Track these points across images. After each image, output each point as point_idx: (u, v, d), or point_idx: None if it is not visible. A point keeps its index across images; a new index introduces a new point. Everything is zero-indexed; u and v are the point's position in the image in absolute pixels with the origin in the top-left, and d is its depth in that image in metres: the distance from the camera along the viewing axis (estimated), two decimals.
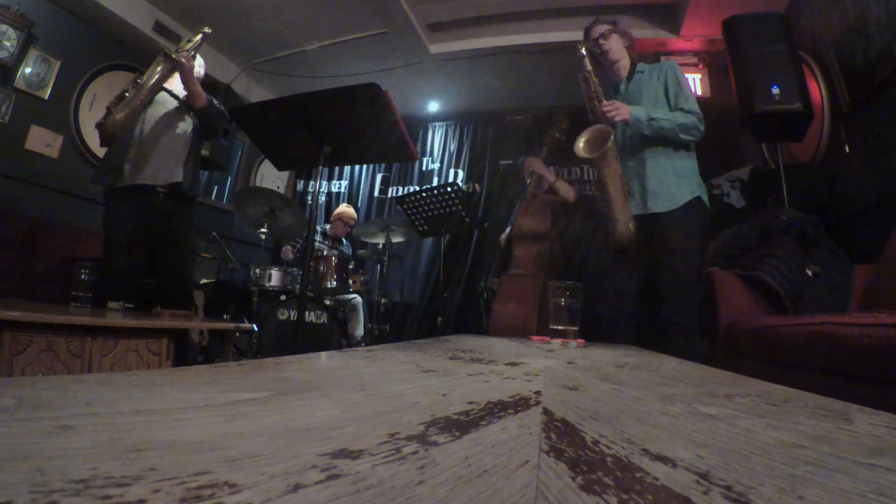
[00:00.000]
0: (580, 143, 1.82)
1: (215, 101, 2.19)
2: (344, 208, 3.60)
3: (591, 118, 1.92)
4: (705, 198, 1.85)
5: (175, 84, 2.12)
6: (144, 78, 1.92)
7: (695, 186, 1.83)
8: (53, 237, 2.61)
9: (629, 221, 1.80)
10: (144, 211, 2.03)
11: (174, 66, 1.94)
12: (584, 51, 1.90)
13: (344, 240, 3.62)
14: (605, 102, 1.83)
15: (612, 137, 1.78)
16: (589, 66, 1.89)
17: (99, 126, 1.95)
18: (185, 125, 2.16)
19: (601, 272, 2.81)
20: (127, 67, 3.46)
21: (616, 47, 1.97)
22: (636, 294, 1.98)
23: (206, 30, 2.11)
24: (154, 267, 2.09)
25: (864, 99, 2.16)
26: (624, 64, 1.99)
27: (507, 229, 3.10)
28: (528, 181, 3.04)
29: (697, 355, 1.69)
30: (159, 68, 1.92)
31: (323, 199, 4.93)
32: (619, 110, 1.79)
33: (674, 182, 1.82)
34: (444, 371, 0.53)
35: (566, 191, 2.83)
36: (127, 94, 1.91)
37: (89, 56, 3.28)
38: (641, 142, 1.87)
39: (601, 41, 1.97)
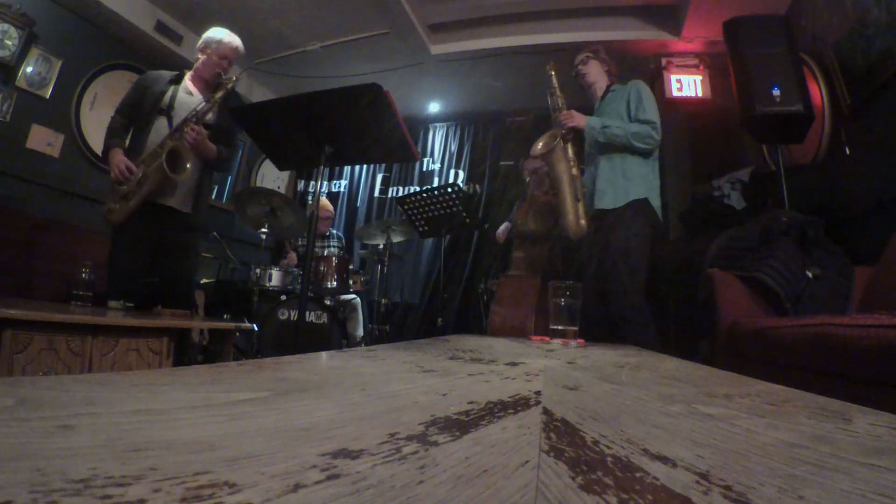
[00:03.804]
0: (538, 145, 2.06)
1: (225, 128, 2.14)
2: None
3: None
4: (656, 203, 1.97)
5: (193, 101, 2.04)
6: (142, 173, 1.89)
7: (643, 189, 1.95)
8: (53, 236, 2.62)
9: (580, 217, 1.98)
10: (151, 219, 2.01)
11: (175, 147, 1.92)
12: (552, 71, 2.14)
13: (332, 231, 3.56)
14: (563, 112, 2.06)
15: (559, 137, 2.01)
16: (555, 83, 2.13)
17: (104, 217, 1.96)
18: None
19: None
20: (128, 67, 3.47)
21: (593, 72, 2.19)
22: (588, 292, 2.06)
23: (234, 77, 2.08)
24: (155, 267, 2.08)
25: (865, 101, 2.16)
26: (600, 86, 2.19)
27: (505, 224, 3.10)
28: (528, 181, 3.03)
29: (654, 343, 1.80)
30: (154, 165, 1.88)
31: (323, 199, 4.93)
32: (574, 118, 2.03)
33: (621, 183, 1.97)
34: (444, 371, 0.53)
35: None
36: (125, 188, 1.88)
37: (91, 55, 3.28)
38: (600, 149, 2.05)
39: (580, 66, 2.21)
